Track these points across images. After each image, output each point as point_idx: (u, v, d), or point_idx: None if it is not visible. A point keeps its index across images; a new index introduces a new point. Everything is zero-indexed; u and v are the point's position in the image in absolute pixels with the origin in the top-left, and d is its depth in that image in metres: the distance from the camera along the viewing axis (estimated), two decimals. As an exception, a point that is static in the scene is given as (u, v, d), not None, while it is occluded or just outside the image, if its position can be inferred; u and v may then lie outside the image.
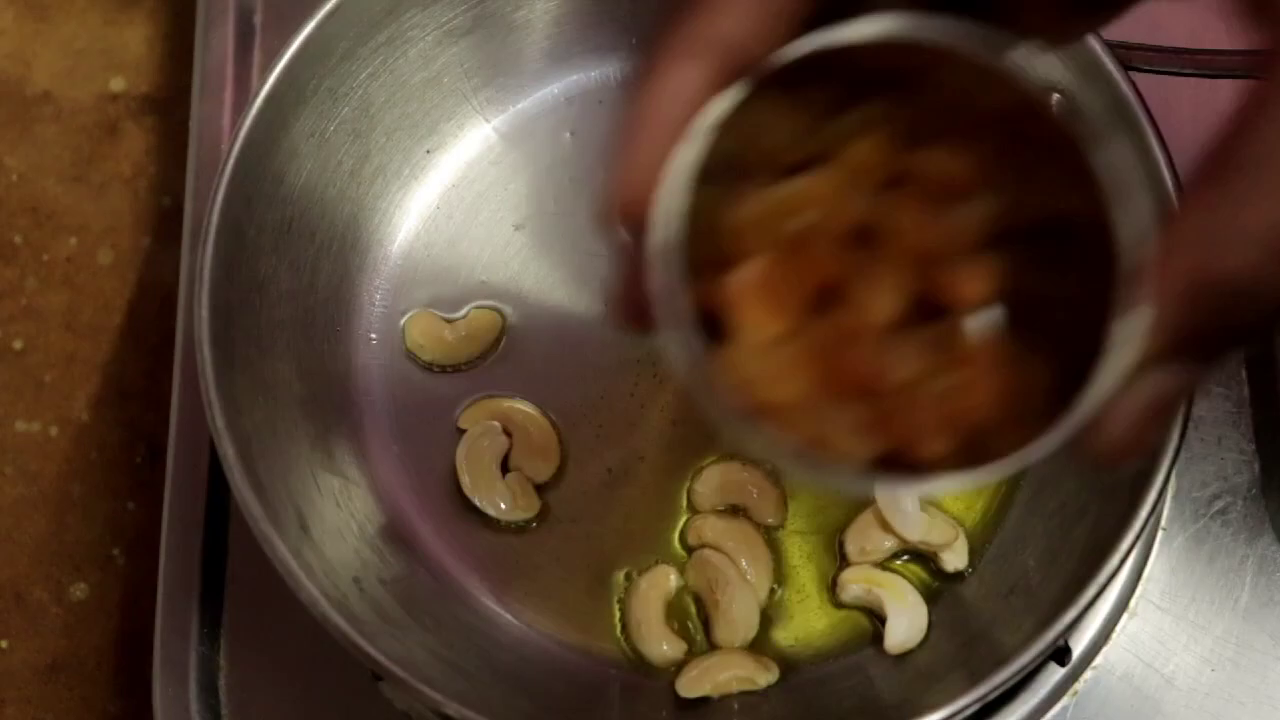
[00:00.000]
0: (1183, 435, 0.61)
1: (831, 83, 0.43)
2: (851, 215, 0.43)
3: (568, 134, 0.74)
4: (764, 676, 0.65)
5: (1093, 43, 0.66)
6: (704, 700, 0.64)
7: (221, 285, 0.64)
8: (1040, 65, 0.68)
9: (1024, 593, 0.64)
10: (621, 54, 0.74)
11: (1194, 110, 0.73)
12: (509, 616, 0.67)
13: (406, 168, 0.73)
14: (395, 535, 0.68)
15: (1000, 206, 0.43)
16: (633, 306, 0.43)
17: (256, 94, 0.66)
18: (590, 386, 0.70)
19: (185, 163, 0.77)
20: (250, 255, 0.66)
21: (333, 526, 0.65)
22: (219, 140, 0.77)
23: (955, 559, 0.67)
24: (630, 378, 0.70)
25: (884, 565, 0.67)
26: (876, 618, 0.66)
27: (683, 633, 0.67)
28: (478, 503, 0.68)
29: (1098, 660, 0.69)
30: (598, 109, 0.75)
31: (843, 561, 0.67)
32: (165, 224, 0.82)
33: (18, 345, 0.80)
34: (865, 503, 0.68)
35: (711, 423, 0.41)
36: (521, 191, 0.74)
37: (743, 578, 0.66)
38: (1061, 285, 0.43)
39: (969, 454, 0.42)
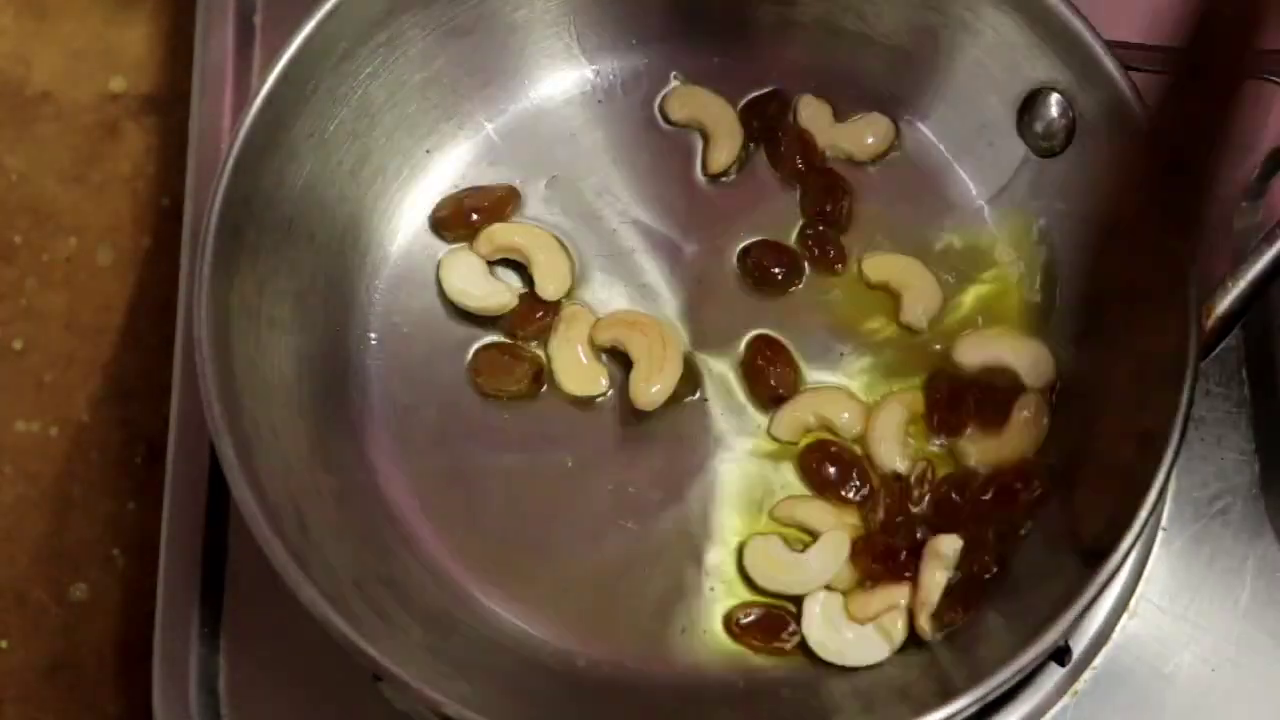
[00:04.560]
0: (1183, 435, 0.61)
1: None
2: None
3: (568, 134, 0.74)
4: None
5: (1093, 43, 0.66)
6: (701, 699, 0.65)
7: (221, 285, 0.64)
8: (1040, 65, 0.68)
9: (1024, 593, 0.64)
10: (622, 53, 0.74)
11: (1194, 110, 0.73)
12: (509, 617, 0.67)
13: (406, 168, 0.73)
14: (395, 535, 0.68)
15: None
16: None
17: (256, 94, 0.66)
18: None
19: (185, 163, 0.77)
20: (250, 255, 0.66)
21: (332, 527, 0.65)
22: (219, 140, 0.77)
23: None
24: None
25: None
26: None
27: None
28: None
29: (1098, 660, 0.69)
30: (598, 108, 0.75)
31: None
32: (165, 224, 0.82)
33: (18, 345, 0.80)
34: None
35: None
36: (521, 192, 0.73)
37: None
38: None
39: None
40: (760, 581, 0.67)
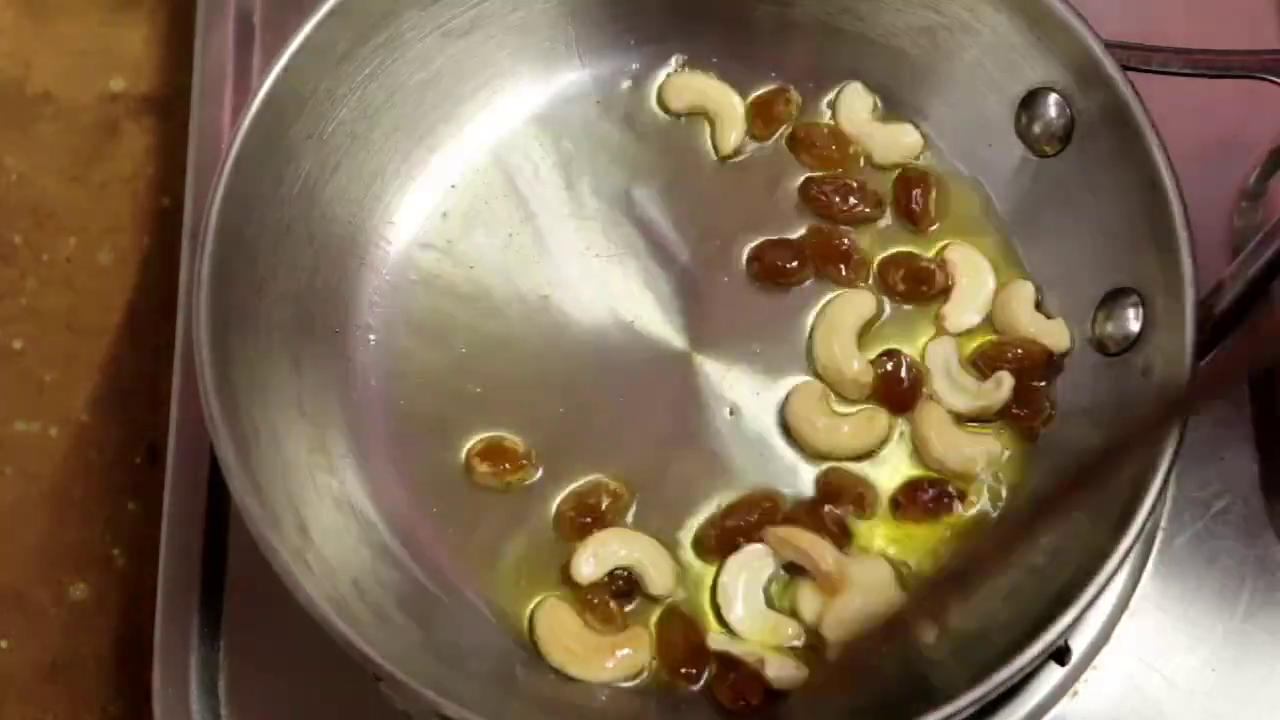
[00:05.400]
0: (1182, 436, 0.61)
1: None
2: None
3: (567, 134, 0.74)
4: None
5: (1092, 43, 0.66)
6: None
7: (220, 286, 0.64)
8: (1039, 65, 0.68)
9: (1024, 593, 0.64)
10: (620, 54, 0.74)
11: (1194, 110, 0.73)
12: (508, 619, 0.67)
13: (405, 168, 0.73)
14: (394, 537, 0.68)
15: None
16: None
17: (254, 95, 0.66)
18: (590, 393, 0.70)
19: (185, 163, 0.77)
20: (249, 256, 0.66)
21: (331, 528, 0.65)
22: (219, 140, 0.77)
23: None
24: (625, 383, 0.70)
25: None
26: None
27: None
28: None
29: (1098, 660, 0.69)
30: (596, 109, 0.74)
31: None
32: (165, 224, 0.82)
33: (18, 345, 0.80)
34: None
35: None
36: (521, 193, 0.73)
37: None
38: None
39: None
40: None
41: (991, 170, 0.72)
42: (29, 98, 0.85)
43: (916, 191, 0.72)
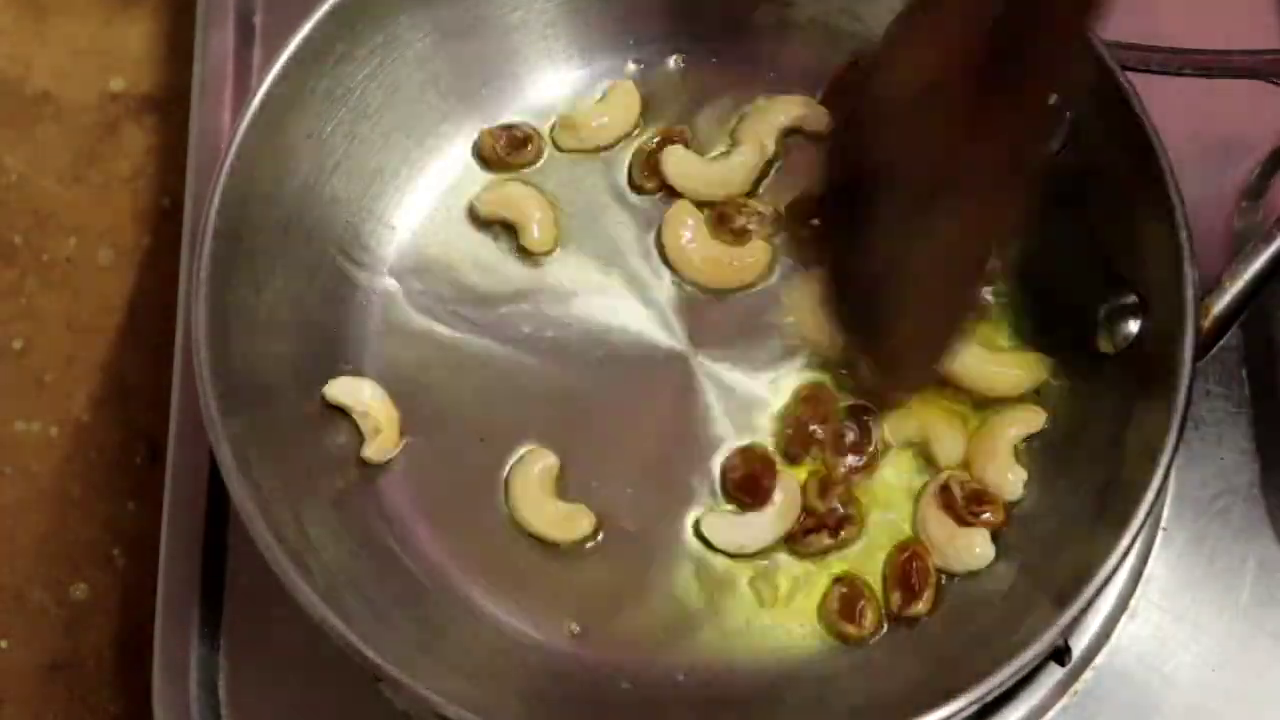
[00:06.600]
0: (1181, 435, 0.61)
1: None
2: None
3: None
4: None
5: (1092, 43, 0.66)
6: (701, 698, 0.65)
7: (219, 286, 0.64)
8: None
9: (1024, 592, 0.64)
10: (618, 53, 0.74)
11: (1194, 110, 0.73)
12: (506, 618, 0.67)
13: (404, 168, 0.73)
14: (393, 537, 0.68)
15: None
16: None
17: (254, 95, 0.66)
18: (589, 391, 0.70)
19: (185, 163, 0.77)
20: (248, 256, 0.66)
21: (331, 529, 0.65)
22: (219, 140, 0.77)
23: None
24: (625, 383, 0.71)
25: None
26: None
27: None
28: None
29: (1098, 660, 0.69)
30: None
31: None
32: (165, 224, 0.82)
33: (18, 345, 0.81)
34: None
35: None
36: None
37: None
38: None
39: None
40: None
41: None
42: (29, 98, 0.85)
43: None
